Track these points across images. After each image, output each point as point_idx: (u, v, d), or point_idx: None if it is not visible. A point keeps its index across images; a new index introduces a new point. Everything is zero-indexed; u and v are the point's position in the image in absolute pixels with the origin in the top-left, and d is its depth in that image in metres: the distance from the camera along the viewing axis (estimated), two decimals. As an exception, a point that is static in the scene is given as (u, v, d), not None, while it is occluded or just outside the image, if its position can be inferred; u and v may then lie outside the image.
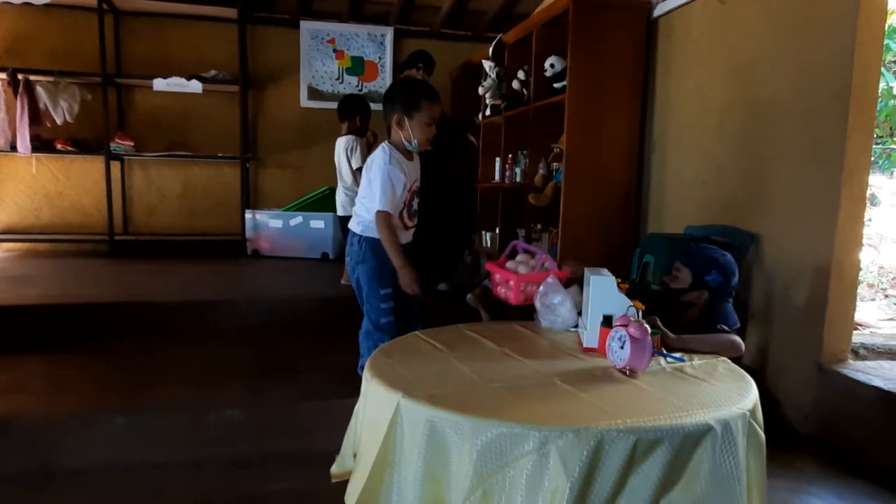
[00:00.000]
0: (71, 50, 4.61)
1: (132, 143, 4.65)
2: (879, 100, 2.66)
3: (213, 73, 4.68)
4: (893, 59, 4.70)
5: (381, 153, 2.12)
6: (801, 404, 2.31)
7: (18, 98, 4.32)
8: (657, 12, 3.23)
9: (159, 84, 4.52)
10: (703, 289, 1.91)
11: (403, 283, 2.14)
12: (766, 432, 1.27)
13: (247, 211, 4.73)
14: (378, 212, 2.09)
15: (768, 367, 2.46)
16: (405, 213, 2.18)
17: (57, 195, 4.83)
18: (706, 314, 1.90)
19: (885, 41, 2.46)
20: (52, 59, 4.54)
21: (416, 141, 2.13)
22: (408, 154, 2.18)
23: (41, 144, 4.50)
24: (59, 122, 4.44)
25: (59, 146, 4.54)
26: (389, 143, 2.16)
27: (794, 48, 2.39)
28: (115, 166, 4.77)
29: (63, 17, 4.64)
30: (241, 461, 2.00)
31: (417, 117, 2.09)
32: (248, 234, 4.69)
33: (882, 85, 3.09)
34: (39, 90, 4.38)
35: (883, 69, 3.09)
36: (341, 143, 3.57)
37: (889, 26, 3.90)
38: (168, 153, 4.79)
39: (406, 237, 2.25)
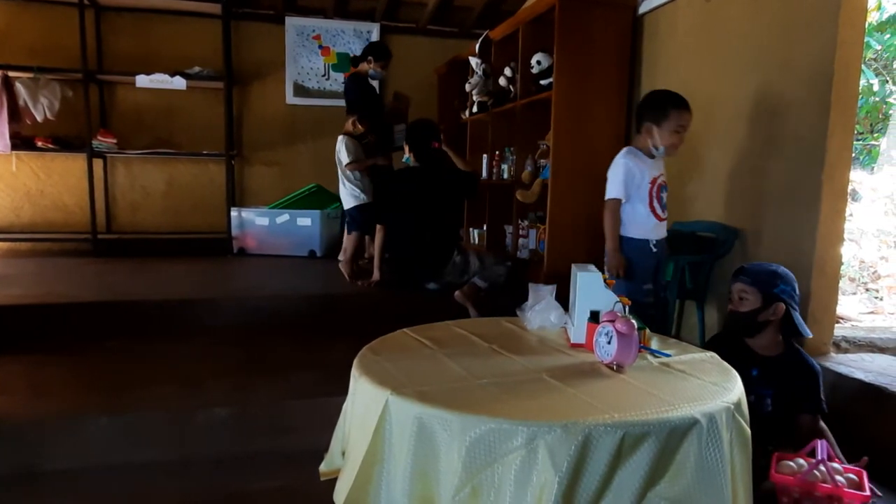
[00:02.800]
0: (51, 46, 4.53)
1: (115, 141, 4.59)
2: (860, 97, 2.70)
3: (196, 69, 4.63)
4: (873, 57, 4.78)
5: (621, 153, 2.33)
6: (785, 397, 2.34)
7: (-3, 95, 4.25)
8: (642, 9, 3.25)
9: (142, 81, 4.46)
10: (777, 301, 1.85)
11: (608, 266, 2.31)
12: (749, 425, 1.29)
13: (232, 209, 4.69)
14: (607, 199, 2.33)
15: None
16: (657, 206, 2.33)
17: (38, 193, 4.75)
18: (785, 329, 1.89)
19: (866, 39, 2.49)
20: (31, 55, 4.46)
21: (663, 147, 2.27)
22: (649, 154, 2.32)
23: (21, 142, 4.43)
24: (39, 119, 4.36)
25: (39, 144, 4.47)
26: (632, 145, 2.35)
27: (777, 46, 2.42)
28: (98, 164, 4.71)
29: (42, 11, 4.56)
30: (229, 460, 1.98)
31: (665, 125, 2.24)
32: (234, 231, 4.65)
33: (862, 82, 3.13)
34: (19, 87, 4.30)
35: (863, 66, 3.14)
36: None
37: (869, 24, 3.96)
38: (152, 150, 4.73)
39: (660, 230, 2.37)
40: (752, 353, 1.88)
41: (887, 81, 4.83)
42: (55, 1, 4.50)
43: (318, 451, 1.55)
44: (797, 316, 1.87)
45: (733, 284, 1.92)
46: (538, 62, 3.47)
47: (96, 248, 4.53)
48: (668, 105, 2.24)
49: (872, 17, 4.46)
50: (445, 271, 3.19)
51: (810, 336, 1.91)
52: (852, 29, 2.17)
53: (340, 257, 3.71)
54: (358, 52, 5.26)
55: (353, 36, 5.20)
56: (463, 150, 4.55)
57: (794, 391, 1.79)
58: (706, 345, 2.09)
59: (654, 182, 2.31)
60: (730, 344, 1.90)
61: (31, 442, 1.92)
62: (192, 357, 2.64)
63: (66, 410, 2.04)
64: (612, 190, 2.31)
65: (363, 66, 4.04)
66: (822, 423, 1.84)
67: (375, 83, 4.41)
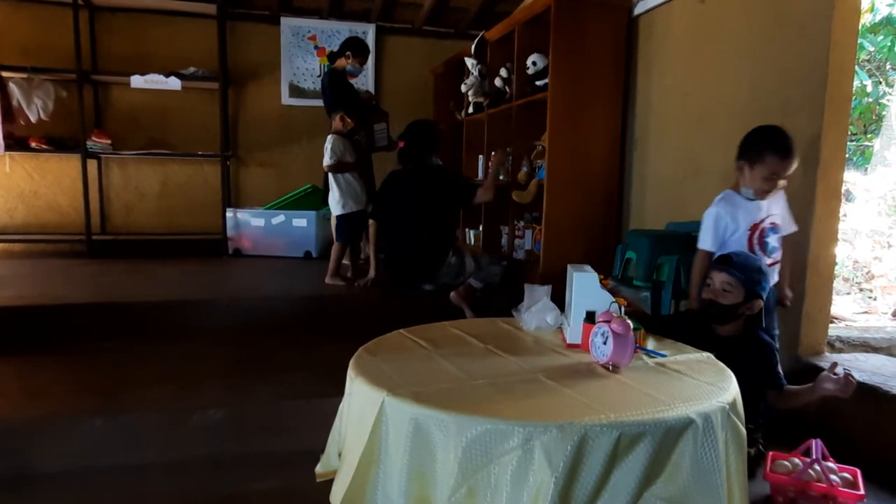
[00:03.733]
0: (45, 46, 4.51)
1: (109, 141, 4.57)
2: (853, 98, 2.72)
3: (192, 69, 4.61)
4: (867, 58, 4.81)
5: (716, 199, 2.14)
6: (780, 397, 2.35)
7: (-10, 95, 4.22)
8: (638, 10, 3.26)
9: (137, 81, 4.44)
10: (757, 298, 1.88)
11: None
12: (744, 424, 1.29)
13: (228, 209, 4.68)
14: (698, 247, 2.15)
15: (747, 361, 2.50)
16: (759, 253, 2.07)
17: (32, 194, 4.73)
18: (754, 319, 1.93)
19: (859, 40, 2.51)
20: (24, 55, 4.43)
21: (752, 189, 2.07)
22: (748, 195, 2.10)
23: (15, 143, 4.40)
24: (33, 119, 4.34)
25: (33, 144, 4.44)
26: (732, 187, 2.14)
27: (771, 47, 2.43)
28: (92, 165, 4.69)
29: (36, 12, 4.54)
30: (224, 461, 1.98)
31: (758, 169, 2.04)
32: (230, 232, 4.64)
33: (856, 83, 3.16)
34: (12, 87, 4.28)
35: (857, 68, 3.16)
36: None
37: (862, 26, 3.99)
38: (146, 151, 4.71)
39: (771, 276, 2.07)
40: (713, 334, 1.90)
41: (880, 83, 4.87)
42: (49, 1, 4.48)
43: (315, 452, 1.55)
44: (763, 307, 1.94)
45: (717, 273, 1.89)
46: (534, 63, 3.47)
47: (90, 250, 4.50)
48: (766, 149, 2.02)
49: (865, 19, 4.49)
50: (441, 273, 3.19)
51: (764, 325, 1.98)
52: (846, 30, 2.18)
53: (328, 279, 3.60)
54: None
55: (348, 36, 5.19)
56: (459, 151, 4.55)
57: (752, 370, 1.80)
58: (670, 317, 2.11)
59: (754, 228, 2.07)
60: (692, 324, 1.93)
61: (25, 444, 1.90)
62: (187, 358, 2.63)
63: (60, 412, 2.03)
64: (701, 240, 2.14)
65: (340, 62, 4.02)
66: (788, 387, 1.89)
67: (357, 82, 4.35)
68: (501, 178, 3.61)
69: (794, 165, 2.03)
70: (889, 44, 4.73)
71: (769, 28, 2.44)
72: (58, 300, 3.03)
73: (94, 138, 4.51)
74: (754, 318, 1.95)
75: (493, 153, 3.49)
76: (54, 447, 1.92)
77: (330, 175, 3.57)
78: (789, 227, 2.17)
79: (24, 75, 4.30)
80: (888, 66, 4.93)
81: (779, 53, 2.40)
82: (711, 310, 1.90)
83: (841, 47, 2.17)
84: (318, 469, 1.51)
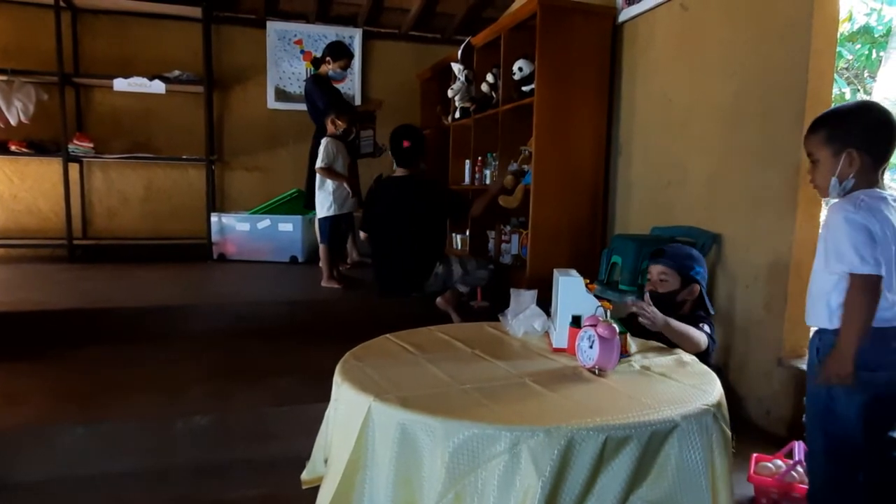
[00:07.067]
0: (26, 47, 4.45)
1: (91, 145, 4.51)
2: (832, 105, 2.76)
3: (176, 73, 4.57)
4: (845, 66, 4.91)
5: (841, 204, 1.43)
6: (763, 398, 2.38)
7: (-31, 97, 4.15)
8: (622, 17, 3.29)
9: (120, 84, 4.39)
10: (693, 283, 2.10)
11: (829, 368, 1.41)
12: (729, 426, 1.30)
13: (213, 214, 4.64)
14: (856, 276, 1.36)
15: (731, 363, 2.53)
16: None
17: (11, 198, 4.65)
18: (697, 305, 2.12)
19: (837, 49, 2.55)
20: (5, 57, 4.37)
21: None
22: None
23: (-6, 146, 4.34)
24: (13, 122, 4.27)
25: (13, 147, 4.37)
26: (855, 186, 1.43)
27: (753, 54, 2.47)
28: (74, 168, 4.63)
29: (16, 13, 4.48)
30: (209, 468, 1.96)
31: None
32: (214, 237, 4.60)
33: (835, 91, 3.21)
34: (-8, 89, 4.22)
35: (835, 75, 3.21)
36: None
37: (840, 34, 4.06)
38: (130, 155, 4.66)
39: None
40: None
41: (858, 90, 4.96)
42: (30, 2, 4.42)
43: (300, 459, 1.54)
44: (705, 294, 2.14)
45: (653, 266, 2.09)
46: (520, 68, 3.49)
47: (72, 255, 4.44)
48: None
49: (844, 28, 4.58)
50: (428, 284, 3.16)
51: (714, 314, 2.16)
52: (825, 39, 2.22)
53: (323, 282, 3.61)
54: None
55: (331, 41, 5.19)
56: (445, 156, 4.56)
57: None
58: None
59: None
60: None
61: (4, 452, 1.87)
62: (171, 364, 2.60)
63: (40, 420, 1.99)
64: (864, 265, 1.36)
65: (323, 68, 4.03)
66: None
67: (343, 87, 4.35)
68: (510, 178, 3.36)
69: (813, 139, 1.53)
70: (867, 52, 4.82)
71: (751, 36, 2.48)
72: (38, 306, 2.98)
73: (75, 142, 4.46)
74: (699, 303, 2.13)
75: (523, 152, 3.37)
76: (35, 455, 1.89)
77: (317, 177, 3.57)
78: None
79: (5, 77, 4.23)
80: (866, 74, 5.03)
81: (760, 61, 2.44)
82: (656, 301, 1.97)
83: (820, 55, 2.22)
84: (304, 476, 1.50)
